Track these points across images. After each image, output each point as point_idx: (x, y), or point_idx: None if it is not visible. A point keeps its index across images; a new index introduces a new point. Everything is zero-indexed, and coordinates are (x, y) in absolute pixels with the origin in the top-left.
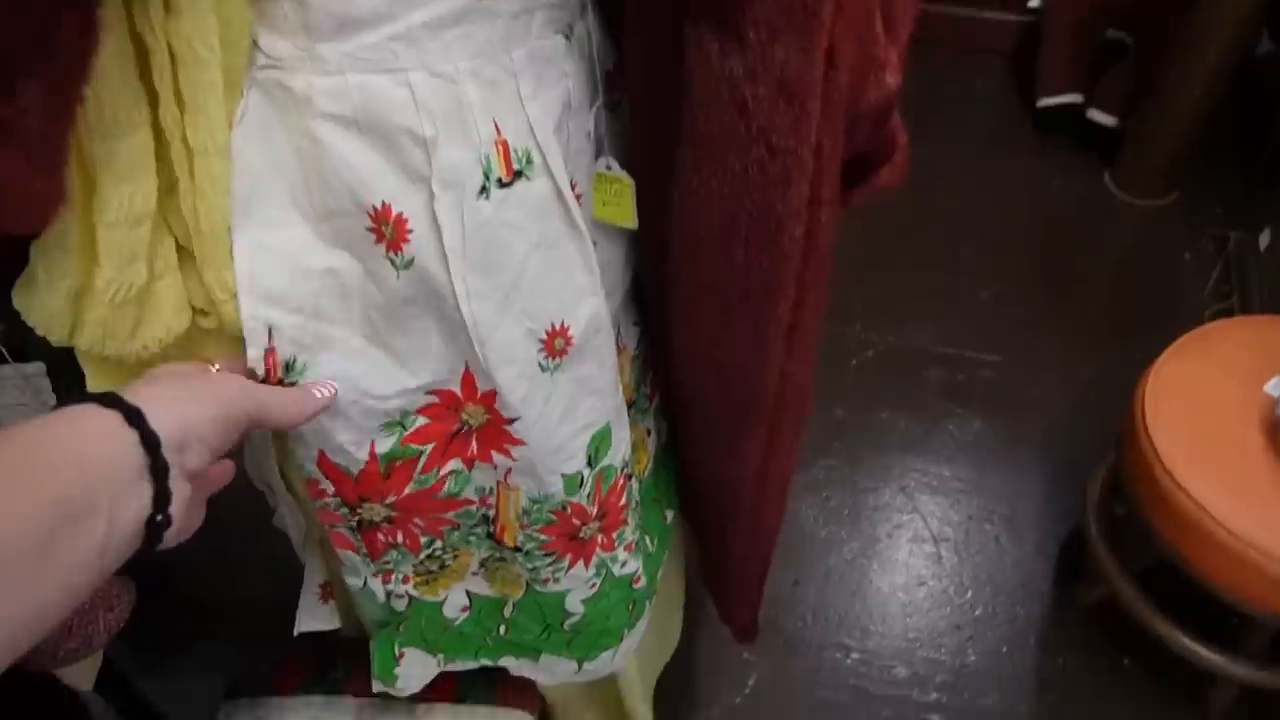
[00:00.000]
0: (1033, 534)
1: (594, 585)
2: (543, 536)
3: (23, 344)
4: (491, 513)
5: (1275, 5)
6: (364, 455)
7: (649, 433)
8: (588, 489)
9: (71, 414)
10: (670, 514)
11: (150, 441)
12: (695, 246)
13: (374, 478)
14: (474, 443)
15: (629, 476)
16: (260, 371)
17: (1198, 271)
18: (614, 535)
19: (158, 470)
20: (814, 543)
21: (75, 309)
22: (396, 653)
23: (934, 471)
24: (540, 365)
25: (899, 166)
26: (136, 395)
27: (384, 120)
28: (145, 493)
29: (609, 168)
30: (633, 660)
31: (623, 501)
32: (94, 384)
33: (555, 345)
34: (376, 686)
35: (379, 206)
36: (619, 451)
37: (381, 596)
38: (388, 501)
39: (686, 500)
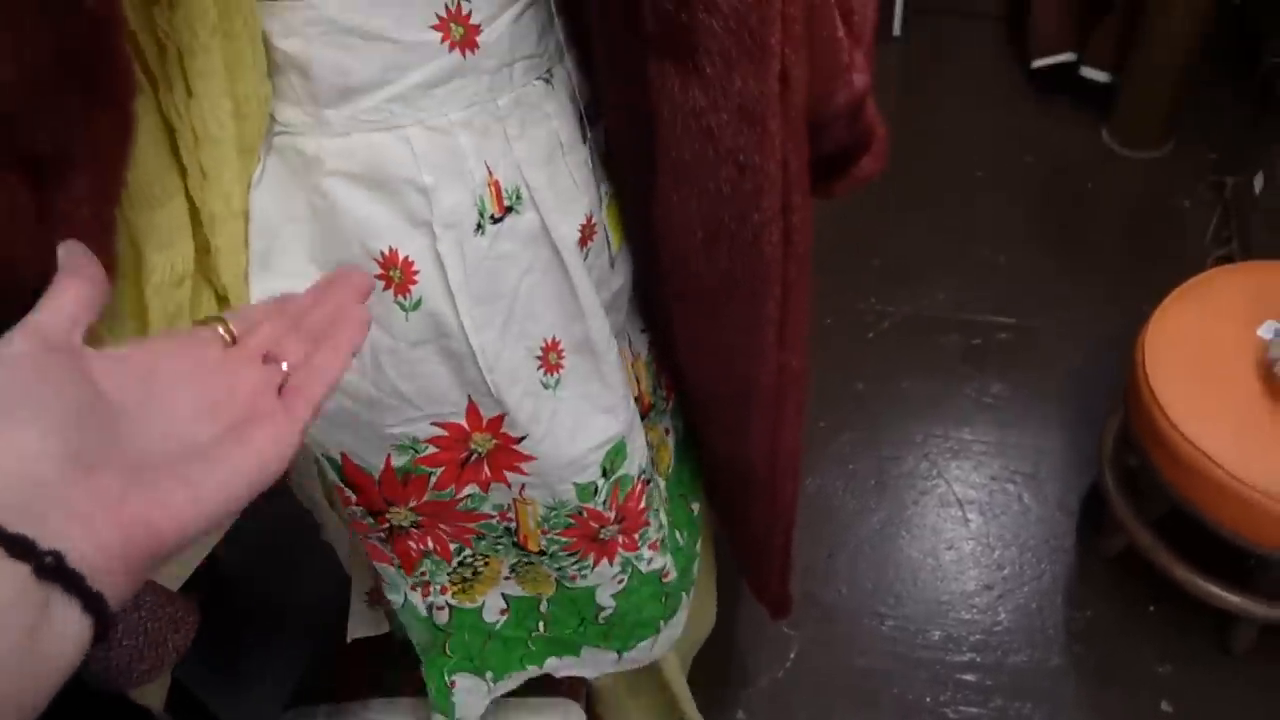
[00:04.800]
0: (1055, 490)
1: (621, 580)
2: (564, 539)
3: None
4: (513, 525)
5: None
6: (380, 463)
7: (668, 431)
8: (603, 496)
9: None
10: (696, 506)
11: (87, 596)
12: (683, 256)
13: (394, 483)
14: (486, 468)
15: (647, 481)
16: None
17: (1199, 218)
18: (635, 536)
19: (99, 615)
20: (843, 515)
21: None
22: (448, 680)
23: (955, 436)
24: (542, 383)
25: (878, 155)
26: (70, 520)
27: (387, 173)
28: (86, 629)
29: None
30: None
31: (641, 505)
32: None
33: (550, 360)
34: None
35: (386, 252)
36: (635, 461)
37: (423, 610)
38: (411, 505)
39: (709, 483)
